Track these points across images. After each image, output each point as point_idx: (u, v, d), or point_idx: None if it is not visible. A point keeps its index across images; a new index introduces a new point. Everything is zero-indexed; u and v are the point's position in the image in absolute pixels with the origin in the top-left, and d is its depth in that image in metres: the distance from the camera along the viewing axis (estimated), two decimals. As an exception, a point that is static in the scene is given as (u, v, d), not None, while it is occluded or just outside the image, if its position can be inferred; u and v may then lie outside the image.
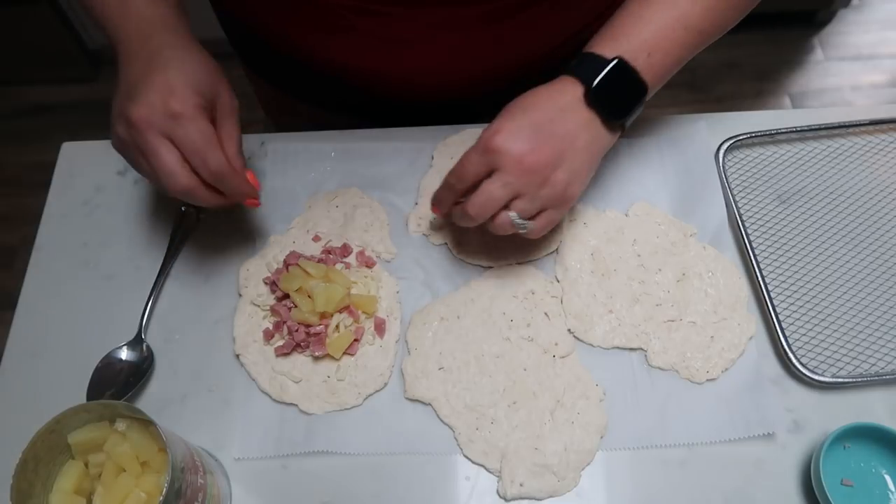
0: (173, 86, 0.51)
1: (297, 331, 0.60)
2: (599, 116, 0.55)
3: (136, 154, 0.52)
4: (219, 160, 0.52)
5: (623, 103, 0.55)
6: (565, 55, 0.61)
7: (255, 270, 0.64)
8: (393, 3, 0.60)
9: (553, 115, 0.54)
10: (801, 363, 0.58)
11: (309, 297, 0.59)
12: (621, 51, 0.54)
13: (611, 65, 0.54)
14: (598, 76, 0.54)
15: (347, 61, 0.68)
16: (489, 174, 0.54)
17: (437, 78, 0.69)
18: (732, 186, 0.67)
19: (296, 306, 0.60)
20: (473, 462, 0.56)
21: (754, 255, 0.63)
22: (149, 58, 0.53)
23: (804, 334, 0.60)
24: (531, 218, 0.55)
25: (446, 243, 0.66)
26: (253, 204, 0.57)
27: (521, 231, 0.56)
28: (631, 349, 0.60)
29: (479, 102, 0.71)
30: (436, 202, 0.59)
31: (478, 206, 0.54)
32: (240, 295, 0.63)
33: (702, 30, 0.56)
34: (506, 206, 0.54)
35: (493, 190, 0.53)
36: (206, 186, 0.53)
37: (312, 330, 0.59)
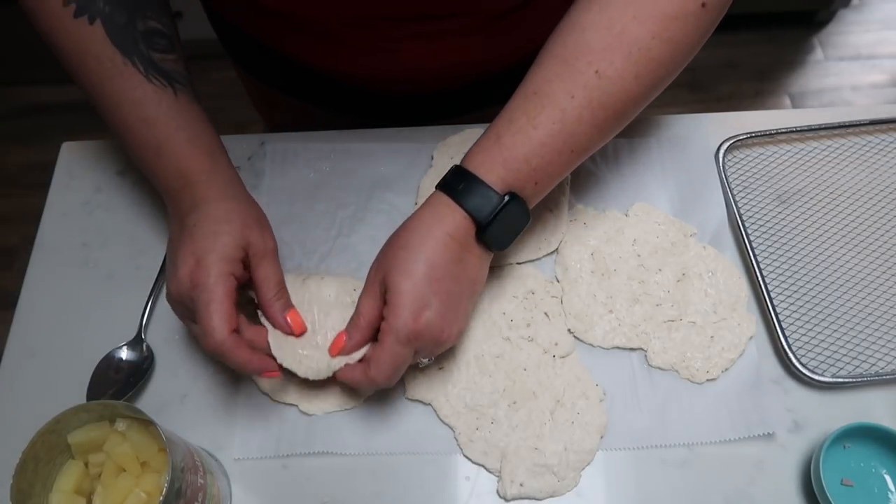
0: (198, 257, 0.51)
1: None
2: (488, 250, 0.55)
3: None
4: (216, 336, 0.49)
5: (510, 236, 0.55)
6: None
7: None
8: (380, 17, 0.61)
9: (454, 270, 0.52)
10: (801, 363, 0.58)
11: None
12: (511, 180, 0.51)
13: (504, 202, 0.51)
14: (490, 214, 0.51)
15: (335, 66, 0.69)
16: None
17: (426, 77, 0.70)
18: (732, 186, 0.67)
19: None
20: (473, 462, 0.56)
21: (754, 255, 0.63)
22: (181, 221, 0.54)
23: (804, 334, 0.60)
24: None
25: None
26: (272, 376, 0.53)
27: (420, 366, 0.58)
28: (631, 349, 0.60)
29: (472, 91, 0.71)
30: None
31: (390, 376, 0.52)
32: (240, 295, 0.63)
33: (587, 149, 0.54)
34: None
35: (405, 360, 0.52)
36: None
37: None
